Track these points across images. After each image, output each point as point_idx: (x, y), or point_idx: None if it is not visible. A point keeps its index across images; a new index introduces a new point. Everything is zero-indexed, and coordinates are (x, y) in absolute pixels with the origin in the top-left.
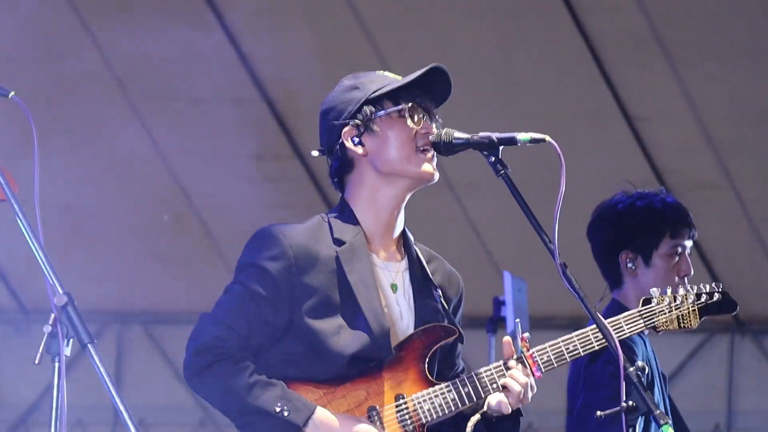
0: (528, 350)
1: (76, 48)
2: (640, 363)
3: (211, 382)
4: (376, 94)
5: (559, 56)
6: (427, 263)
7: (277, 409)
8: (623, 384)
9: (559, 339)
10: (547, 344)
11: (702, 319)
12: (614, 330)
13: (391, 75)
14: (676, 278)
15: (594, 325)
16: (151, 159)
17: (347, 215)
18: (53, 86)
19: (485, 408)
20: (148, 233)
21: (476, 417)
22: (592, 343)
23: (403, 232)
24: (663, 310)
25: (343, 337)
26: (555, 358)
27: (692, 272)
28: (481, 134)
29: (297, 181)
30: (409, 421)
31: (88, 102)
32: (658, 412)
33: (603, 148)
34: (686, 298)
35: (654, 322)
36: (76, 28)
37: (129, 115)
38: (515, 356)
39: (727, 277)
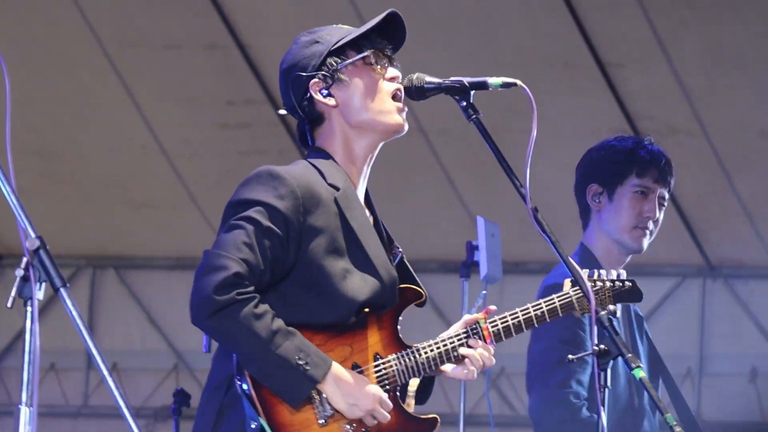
0: (485, 321)
1: None
2: (611, 307)
3: (231, 323)
4: (339, 44)
5: (532, 2)
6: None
7: (300, 361)
8: (594, 328)
9: (507, 313)
10: (497, 317)
11: (617, 304)
12: (549, 307)
13: (347, 27)
14: (636, 218)
15: (538, 302)
16: (124, 104)
17: (331, 161)
18: (23, 32)
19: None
20: (121, 178)
21: (416, 380)
22: (533, 321)
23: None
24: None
25: (352, 282)
26: (503, 332)
27: (656, 216)
28: (453, 78)
29: (269, 126)
30: (386, 381)
31: (61, 48)
32: (629, 355)
33: (576, 94)
34: (604, 284)
35: (581, 305)
36: None
37: (101, 60)
38: (473, 328)
39: (699, 223)
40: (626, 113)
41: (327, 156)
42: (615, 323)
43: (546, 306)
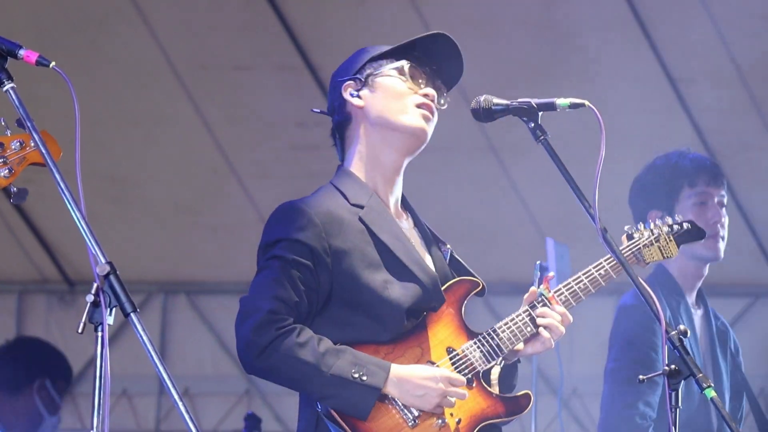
0: (549, 291)
1: (118, 16)
2: (682, 327)
3: (278, 360)
4: (379, 52)
5: (601, 17)
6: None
7: (355, 375)
8: (665, 347)
9: (570, 279)
10: (561, 285)
11: (680, 247)
12: (612, 263)
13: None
14: (704, 228)
15: (598, 261)
16: (194, 126)
17: (354, 180)
18: (95, 55)
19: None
20: (192, 202)
21: (497, 369)
22: (598, 280)
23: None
24: (645, 243)
25: (394, 291)
26: (571, 297)
27: (723, 220)
28: (520, 100)
29: None
30: (466, 371)
31: (132, 70)
32: (700, 375)
33: (646, 110)
34: (661, 229)
35: (642, 255)
36: None
37: (172, 82)
38: (538, 299)
39: None
40: (697, 129)
41: (351, 174)
42: (686, 343)
43: (607, 263)
